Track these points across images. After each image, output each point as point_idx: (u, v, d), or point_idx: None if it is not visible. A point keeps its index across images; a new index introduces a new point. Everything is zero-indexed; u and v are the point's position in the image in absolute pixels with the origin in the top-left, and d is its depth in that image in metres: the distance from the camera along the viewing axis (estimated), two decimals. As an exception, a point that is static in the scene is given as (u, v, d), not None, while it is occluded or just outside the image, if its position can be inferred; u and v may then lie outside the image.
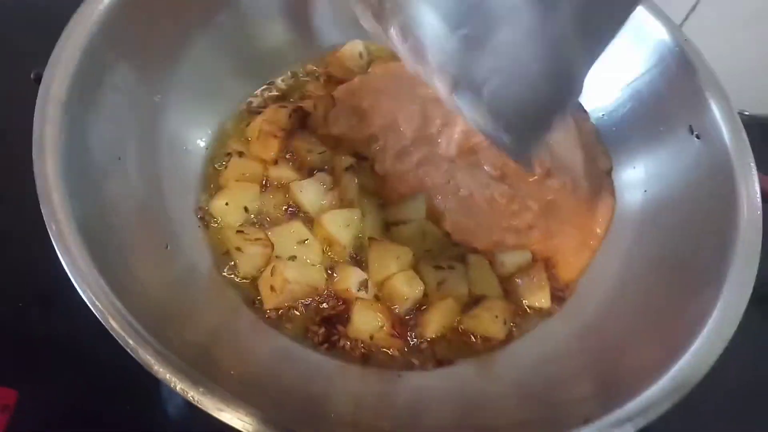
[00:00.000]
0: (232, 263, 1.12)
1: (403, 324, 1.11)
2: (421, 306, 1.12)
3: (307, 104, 1.30)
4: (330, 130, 1.28)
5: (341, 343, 1.09)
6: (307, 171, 1.23)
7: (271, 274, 1.08)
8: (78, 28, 0.99)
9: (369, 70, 1.39)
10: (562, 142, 1.26)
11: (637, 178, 1.25)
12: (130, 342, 0.79)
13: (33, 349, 1.14)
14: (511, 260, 1.17)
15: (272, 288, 1.08)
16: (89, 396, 1.11)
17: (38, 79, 1.01)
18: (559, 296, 1.18)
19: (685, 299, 1.01)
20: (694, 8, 1.57)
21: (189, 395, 0.76)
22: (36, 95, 0.95)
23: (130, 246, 0.99)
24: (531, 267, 1.18)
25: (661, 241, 1.13)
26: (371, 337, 1.08)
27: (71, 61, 0.97)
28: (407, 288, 1.10)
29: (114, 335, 0.79)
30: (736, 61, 1.33)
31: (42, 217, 0.86)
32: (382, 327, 1.08)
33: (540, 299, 1.16)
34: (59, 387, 1.11)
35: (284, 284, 1.07)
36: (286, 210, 1.19)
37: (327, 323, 1.10)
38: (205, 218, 1.16)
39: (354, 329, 1.08)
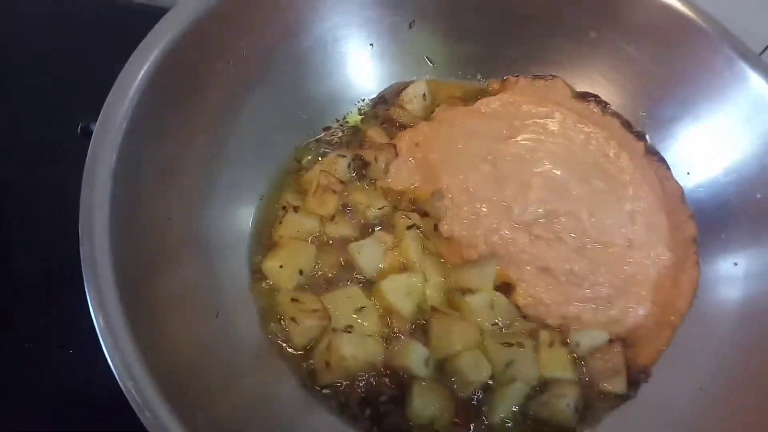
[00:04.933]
0: (285, 331, 1.04)
1: (466, 409, 1.02)
2: (487, 387, 1.03)
3: (367, 153, 1.20)
4: (391, 183, 1.18)
5: (394, 426, 1.00)
6: (365, 227, 1.15)
7: (327, 349, 1.00)
8: (127, 84, 0.91)
9: (433, 114, 1.28)
10: (646, 206, 1.15)
11: (729, 255, 1.13)
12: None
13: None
14: (586, 341, 1.07)
15: (327, 364, 1.00)
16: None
17: (86, 132, 0.94)
18: (635, 380, 1.07)
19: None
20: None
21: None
22: (83, 148, 0.87)
23: (173, 311, 0.93)
24: (607, 348, 1.08)
25: (759, 344, 1.02)
26: (432, 423, 0.99)
27: (121, 121, 0.89)
28: (473, 372, 1.01)
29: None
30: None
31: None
32: (443, 413, 0.99)
33: (616, 384, 1.06)
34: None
35: (340, 361, 0.99)
36: (342, 271, 1.10)
37: (371, 405, 1.01)
38: (257, 276, 1.08)
39: (414, 413, 0.99)
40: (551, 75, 1.32)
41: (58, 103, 1.32)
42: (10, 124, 1.33)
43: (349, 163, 1.18)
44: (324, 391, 1.01)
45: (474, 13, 1.27)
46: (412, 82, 1.31)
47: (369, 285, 1.09)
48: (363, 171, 1.19)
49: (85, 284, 0.80)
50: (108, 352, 0.77)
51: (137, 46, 0.95)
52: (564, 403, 1.01)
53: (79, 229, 0.83)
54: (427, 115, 1.29)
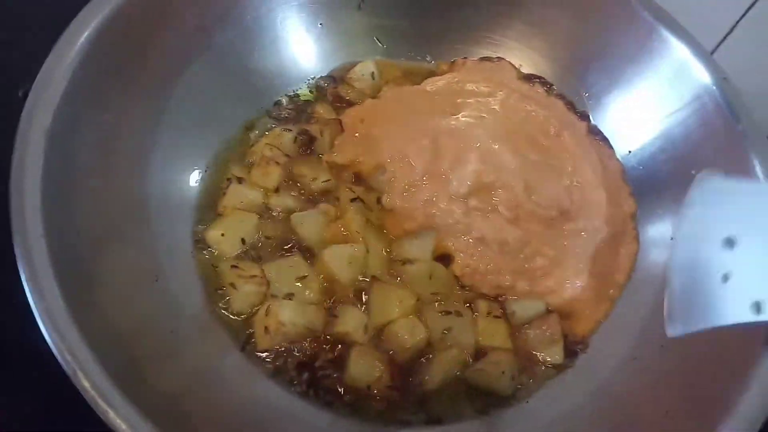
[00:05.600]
0: (226, 298, 1.05)
1: (402, 374, 1.03)
2: (424, 354, 1.05)
3: (313, 128, 1.22)
4: (336, 157, 1.20)
5: (331, 389, 1.01)
6: (310, 200, 1.16)
7: (266, 315, 1.01)
8: (68, 46, 0.93)
9: (380, 93, 1.31)
10: (585, 182, 1.17)
11: (665, 229, 1.16)
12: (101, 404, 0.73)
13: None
14: (523, 310, 1.09)
15: (266, 329, 1.01)
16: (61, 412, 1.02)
17: (27, 97, 0.94)
18: (573, 350, 1.09)
19: (714, 373, 0.92)
20: (727, 35, 1.48)
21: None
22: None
23: (110, 278, 0.93)
24: (544, 318, 1.10)
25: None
26: (368, 387, 1.00)
27: (60, 82, 0.90)
28: (408, 336, 1.03)
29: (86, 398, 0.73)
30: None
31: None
32: (380, 377, 1.00)
33: (553, 354, 1.08)
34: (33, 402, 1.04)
35: (279, 326, 1.00)
36: (285, 242, 1.11)
37: (308, 369, 1.01)
38: (200, 246, 1.09)
39: (350, 377, 1.00)
40: (498, 57, 1.35)
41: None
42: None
43: (295, 137, 1.20)
44: (262, 355, 1.02)
45: (422, -5, 1.31)
46: (361, 61, 1.33)
47: (311, 255, 1.10)
48: (310, 145, 1.21)
49: (14, 245, 0.80)
50: (39, 317, 0.77)
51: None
52: (499, 370, 1.03)
53: (10, 187, 0.83)
54: (375, 94, 1.31)
